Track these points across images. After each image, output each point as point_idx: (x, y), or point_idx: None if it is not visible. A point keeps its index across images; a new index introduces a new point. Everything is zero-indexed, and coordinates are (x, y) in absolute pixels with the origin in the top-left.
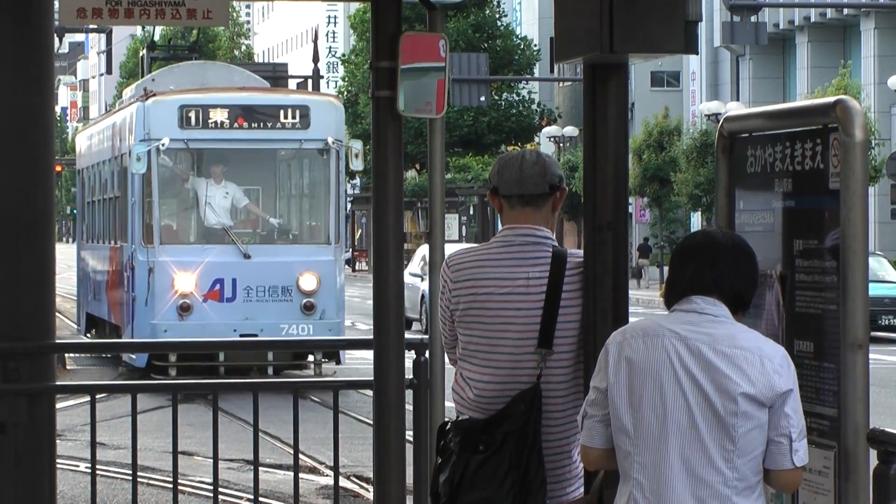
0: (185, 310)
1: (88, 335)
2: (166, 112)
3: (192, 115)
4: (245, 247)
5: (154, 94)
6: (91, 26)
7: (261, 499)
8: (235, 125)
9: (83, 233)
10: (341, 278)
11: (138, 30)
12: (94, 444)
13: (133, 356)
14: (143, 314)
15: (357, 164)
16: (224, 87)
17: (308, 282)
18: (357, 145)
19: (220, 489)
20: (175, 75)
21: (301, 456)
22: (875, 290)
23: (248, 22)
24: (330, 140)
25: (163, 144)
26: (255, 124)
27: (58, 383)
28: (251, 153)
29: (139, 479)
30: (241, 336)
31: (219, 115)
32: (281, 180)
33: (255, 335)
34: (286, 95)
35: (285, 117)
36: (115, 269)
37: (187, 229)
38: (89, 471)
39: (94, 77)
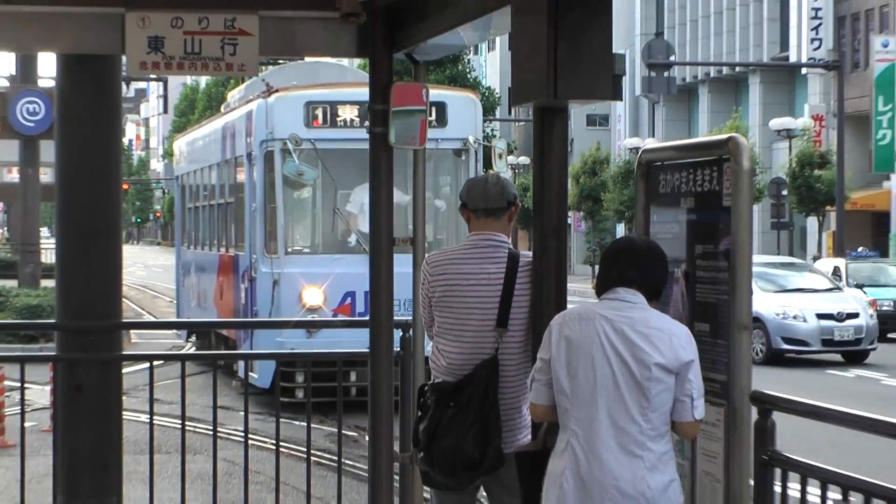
0: (313, 329)
1: (190, 341)
2: (291, 110)
3: (320, 112)
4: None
5: (276, 90)
6: (151, 76)
7: (281, 442)
8: (366, 124)
9: (183, 239)
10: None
11: (189, 78)
12: (151, 400)
13: (256, 375)
14: (266, 332)
15: (500, 165)
16: (352, 83)
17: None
18: (501, 145)
19: (250, 435)
20: (286, 75)
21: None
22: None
23: None
24: (471, 139)
25: (291, 143)
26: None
27: (124, 353)
28: (363, 154)
29: (187, 428)
30: None
31: (348, 113)
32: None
33: None
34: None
35: None
36: (228, 278)
37: (315, 238)
38: (148, 421)
39: (153, 116)
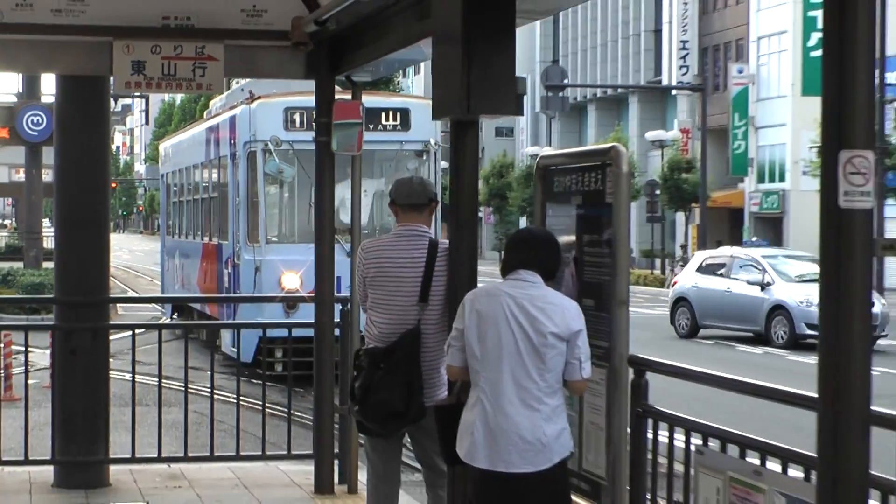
0: (291, 307)
1: (174, 318)
2: (272, 114)
3: (297, 117)
4: (348, 246)
5: (258, 97)
6: (135, 94)
7: (241, 397)
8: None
9: (168, 229)
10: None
11: (166, 95)
12: (134, 362)
13: (234, 348)
14: (249, 310)
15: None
16: None
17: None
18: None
19: (216, 392)
20: (266, 84)
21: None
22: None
23: None
24: (431, 141)
25: (271, 144)
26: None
27: (111, 323)
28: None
29: (163, 385)
30: None
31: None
32: (383, 180)
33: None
34: (387, 98)
35: (386, 119)
36: (211, 264)
37: (293, 229)
38: (131, 379)
39: (137, 126)
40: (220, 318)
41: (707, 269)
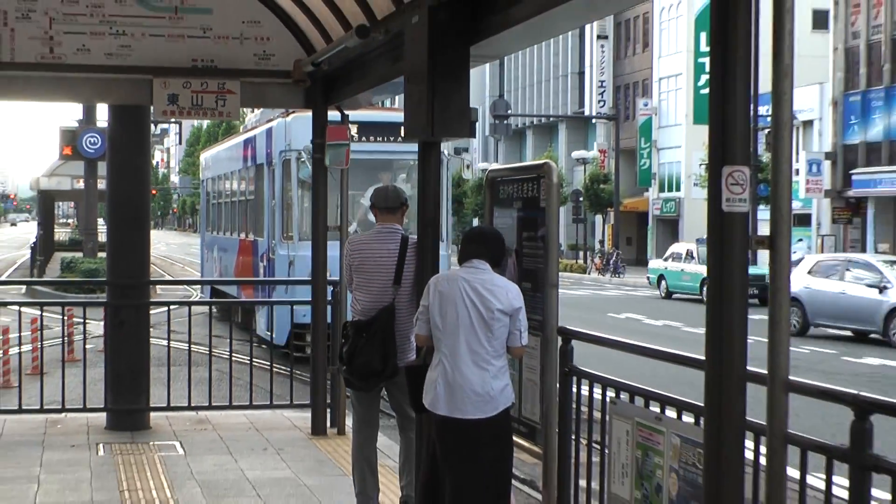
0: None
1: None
2: (305, 127)
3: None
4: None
5: (293, 112)
6: (171, 120)
7: (253, 359)
8: (363, 139)
9: (207, 226)
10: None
11: (195, 121)
12: (169, 331)
13: (268, 332)
14: (281, 295)
15: (467, 174)
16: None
17: None
18: (468, 158)
19: (234, 355)
20: None
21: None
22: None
23: None
24: (445, 152)
25: (304, 153)
26: (380, 138)
27: (151, 300)
28: (376, 163)
29: (192, 349)
30: None
31: (350, 130)
32: (400, 186)
33: None
34: (393, 113)
35: (392, 132)
36: (247, 257)
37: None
38: (167, 344)
39: (172, 146)
40: (256, 308)
41: (819, 272)
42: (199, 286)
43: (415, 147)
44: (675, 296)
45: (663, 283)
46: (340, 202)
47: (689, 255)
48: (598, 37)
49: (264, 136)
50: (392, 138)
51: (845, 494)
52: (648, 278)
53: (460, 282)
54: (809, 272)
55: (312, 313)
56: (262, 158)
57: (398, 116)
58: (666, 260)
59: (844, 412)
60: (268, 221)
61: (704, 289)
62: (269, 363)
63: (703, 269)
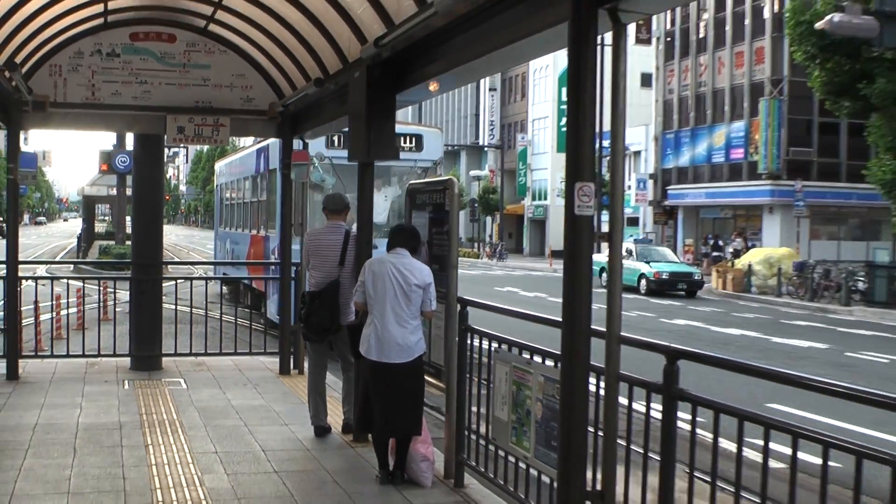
0: None
1: (222, 288)
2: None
3: (336, 138)
4: (375, 241)
5: None
6: (180, 145)
7: (238, 319)
8: None
9: (221, 223)
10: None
11: (197, 146)
12: (176, 299)
13: (278, 316)
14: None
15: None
16: None
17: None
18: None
19: (224, 316)
20: None
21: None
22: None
23: None
24: (438, 160)
25: (316, 159)
26: None
27: (164, 276)
28: (379, 169)
29: (193, 312)
30: None
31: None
32: (398, 189)
33: None
34: (405, 126)
35: (404, 143)
36: (259, 249)
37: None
38: (174, 308)
39: (181, 164)
40: (268, 293)
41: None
42: (200, 265)
43: (412, 156)
44: None
45: (605, 275)
46: (302, 208)
47: (628, 253)
48: (490, 89)
49: (278, 145)
50: (400, 148)
51: (660, 416)
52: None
53: (388, 264)
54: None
55: (281, 286)
56: (275, 164)
57: (398, 129)
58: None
59: (659, 358)
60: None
61: (641, 282)
62: (248, 322)
63: (640, 266)
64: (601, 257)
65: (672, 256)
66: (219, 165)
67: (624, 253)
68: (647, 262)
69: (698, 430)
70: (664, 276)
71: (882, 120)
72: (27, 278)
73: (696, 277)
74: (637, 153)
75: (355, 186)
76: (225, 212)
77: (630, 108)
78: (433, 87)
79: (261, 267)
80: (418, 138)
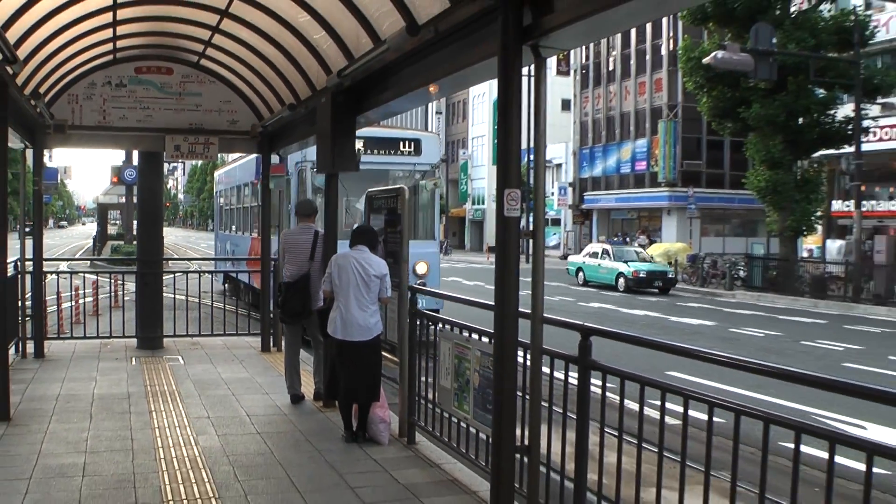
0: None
1: (224, 285)
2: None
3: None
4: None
5: None
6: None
7: (227, 305)
8: (368, 152)
9: (220, 225)
10: (438, 264)
11: (192, 161)
12: (175, 289)
13: (278, 310)
14: None
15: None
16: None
17: (422, 267)
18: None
19: (215, 303)
20: None
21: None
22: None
23: None
24: (435, 163)
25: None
26: (382, 152)
27: (164, 269)
28: (379, 173)
29: (189, 299)
30: None
31: (356, 144)
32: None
33: None
34: (403, 131)
35: (403, 147)
36: (258, 250)
37: None
38: (173, 296)
39: (179, 176)
40: (266, 290)
41: (589, 254)
42: (197, 261)
43: (411, 159)
44: (590, 284)
45: (581, 274)
46: (279, 210)
47: (605, 254)
48: (437, 112)
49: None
50: (393, 151)
51: (576, 383)
52: (568, 269)
53: (350, 258)
54: (586, 255)
55: (262, 277)
56: (280, 170)
57: (398, 133)
58: (584, 256)
59: (575, 335)
60: (282, 223)
61: (619, 280)
62: (234, 307)
63: (618, 266)
64: (578, 258)
65: (637, 256)
66: (218, 174)
67: (601, 253)
68: (626, 262)
69: (608, 394)
70: (642, 275)
71: (757, 138)
72: (51, 272)
73: (669, 276)
74: (559, 165)
75: (358, 188)
76: (224, 216)
77: (552, 128)
78: (433, 88)
79: (256, 263)
80: (417, 143)
